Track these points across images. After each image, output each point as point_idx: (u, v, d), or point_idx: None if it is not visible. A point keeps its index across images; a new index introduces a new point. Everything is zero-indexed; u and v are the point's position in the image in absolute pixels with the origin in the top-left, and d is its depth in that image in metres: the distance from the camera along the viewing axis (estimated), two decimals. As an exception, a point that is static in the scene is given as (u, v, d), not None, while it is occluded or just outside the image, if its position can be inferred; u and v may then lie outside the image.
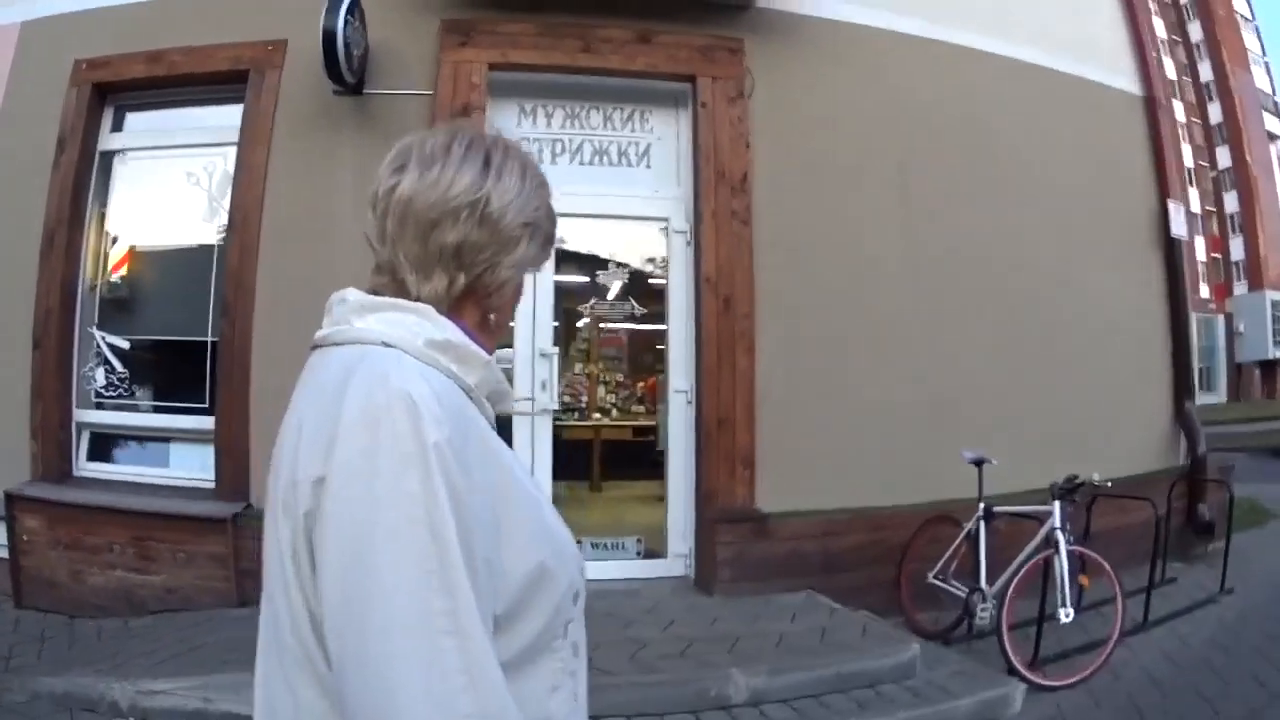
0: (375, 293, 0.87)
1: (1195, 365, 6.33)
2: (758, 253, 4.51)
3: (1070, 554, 3.59)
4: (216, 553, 4.06)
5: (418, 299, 0.85)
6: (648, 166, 4.82)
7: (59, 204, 4.42)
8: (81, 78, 4.49)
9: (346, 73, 4.13)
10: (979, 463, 4.10)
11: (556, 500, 4.41)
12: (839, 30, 4.85)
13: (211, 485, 4.30)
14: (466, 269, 0.86)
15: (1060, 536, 3.61)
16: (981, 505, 4.02)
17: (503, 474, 0.81)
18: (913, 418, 4.60)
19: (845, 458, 4.47)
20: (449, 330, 0.83)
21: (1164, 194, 5.96)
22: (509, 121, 4.68)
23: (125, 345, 4.58)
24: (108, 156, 4.67)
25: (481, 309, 0.89)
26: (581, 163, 4.71)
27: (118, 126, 4.72)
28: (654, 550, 4.55)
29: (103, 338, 4.57)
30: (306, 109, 4.43)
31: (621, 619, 3.72)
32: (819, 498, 4.33)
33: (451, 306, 0.86)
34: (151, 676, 3.06)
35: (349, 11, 4.06)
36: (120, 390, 4.58)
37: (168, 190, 4.70)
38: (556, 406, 4.57)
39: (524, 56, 4.53)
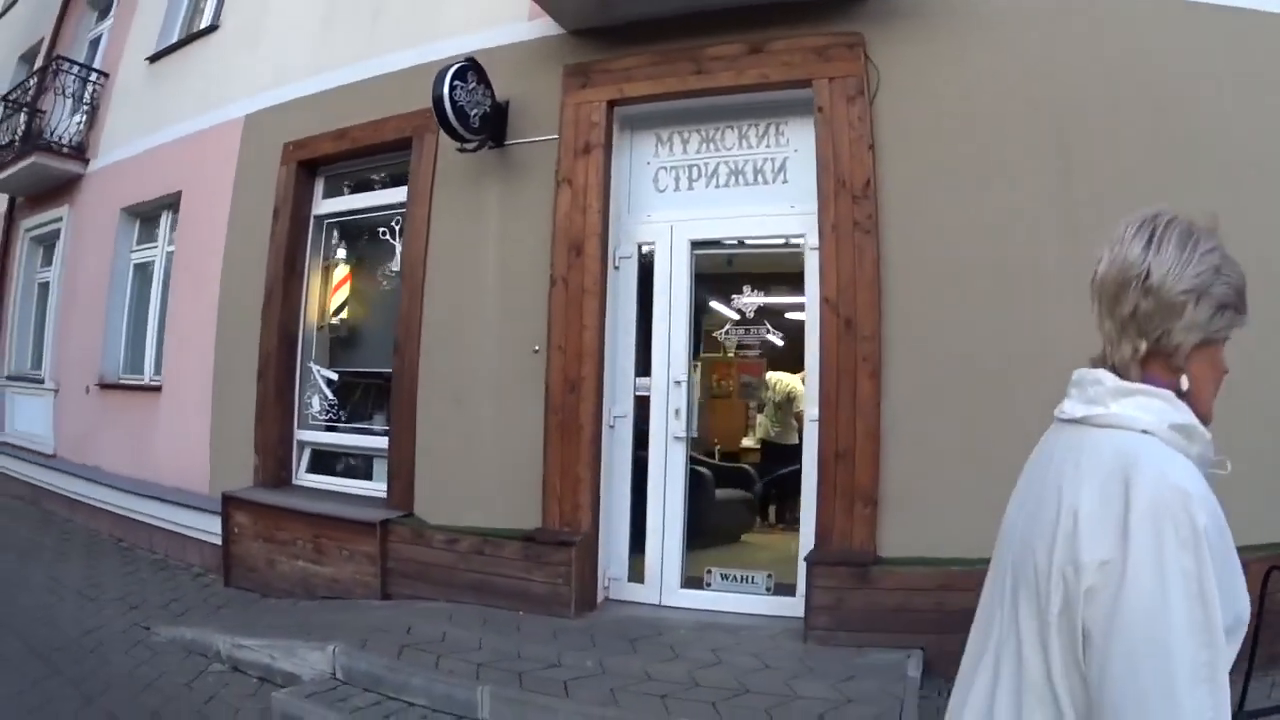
0: (1110, 368, 1.03)
1: None
2: (886, 267, 4.08)
3: None
4: (369, 552, 4.70)
5: (1112, 365, 1.02)
6: (784, 182, 4.58)
7: (274, 262, 5.44)
8: (289, 156, 5.50)
9: (463, 131, 4.57)
10: None
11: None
12: (973, 4, 4.15)
13: (384, 496, 4.99)
14: (1146, 335, 0.99)
15: None
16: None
17: (1226, 536, 0.92)
18: None
19: (990, 503, 3.75)
20: (1186, 414, 0.97)
21: None
22: (646, 152, 4.81)
23: (334, 376, 5.48)
24: (320, 220, 5.63)
25: (1170, 372, 1.00)
26: (718, 185, 4.62)
27: (330, 194, 5.67)
28: (786, 587, 4.34)
29: (318, 370, 5.51)
30: (457, 167, 4.95)
31: (697, 660, 3.63)
32: (951, 546, 3.67)
33: (1143, 369, 1.00)
34: (246, 635, 3.74)
35: (458, 77, 4.52)
36: (331, 414, 5.48)
37: (366, 247, 5.54)
38: (694, 434, 4.56)
39: (639, 89, 4.60)
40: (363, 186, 5.58)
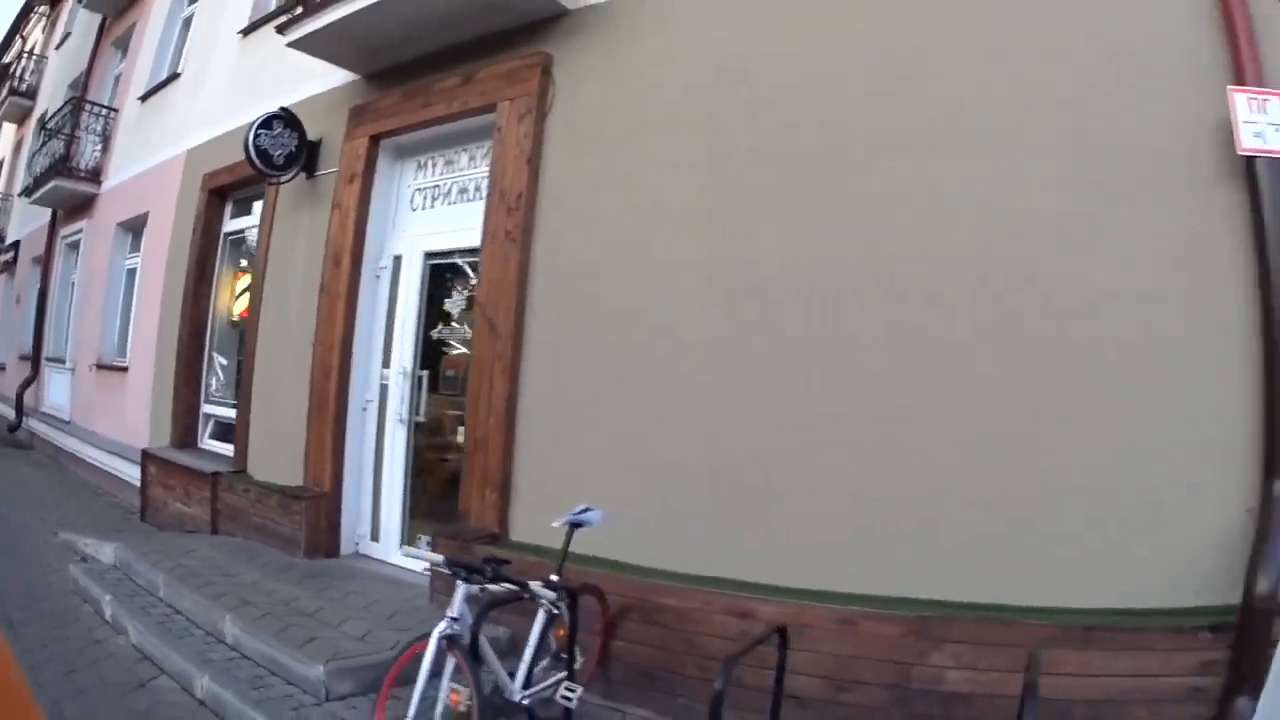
0: None
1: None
2: (533, 273, 4.50)
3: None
4: (207, 497, 5.96)
5: None
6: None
7: (191, 269, 6.91)
8: (205, 184, 6.95)
9: (266, 169, 5.68)
10: (576, 525, 3.40)
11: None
12: (649, 12, 4.32)
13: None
14: None
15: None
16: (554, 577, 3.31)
17: None
18: (691, 471, 3.84)
19: (608, 498, 3.75)
20: None
21: (1240, 76, 3.24)
22: (408, 176, 5.61)
23: (225, 362, 6.85)
24: (226, 236, 7.04)
25: None
26: (450, 202, 5.30)
27: (235, 215, 7.06)
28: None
29: (217, 357, 6.92)
30: (290, 195, 6.07)
31: (352, 598, 4.50)
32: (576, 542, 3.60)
33: None
34: (100, 541, 5.33)
35: (264, 125, 5.64)
36: (222, 392, 6.86)
37: (249, 259, 6.85)
38: (419, 419, 5.26)
39: (390, 124, 5.40)
40: (247, 210, 6.89)
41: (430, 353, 5.25)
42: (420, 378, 5.22)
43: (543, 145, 4.58)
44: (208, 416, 6.98)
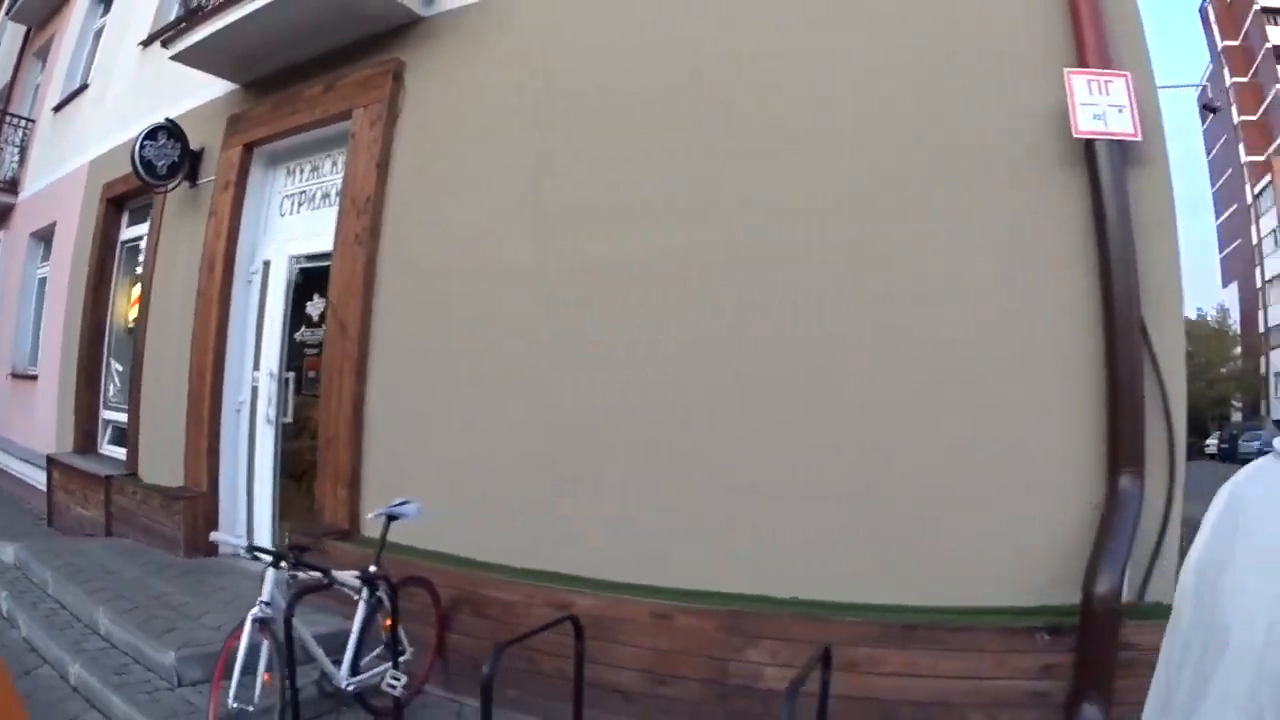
0: None
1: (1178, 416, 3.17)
2: (380, 275, 4.63)
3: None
4: (102, 500, 6.06)
5: None
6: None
7: (92, 276, 7.02)
8: (104, 194, 7.06)
9: (149, 178, 5.82)
10: (392, 517, 3.57)
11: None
12: (493, 17, 4.45)
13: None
14: None
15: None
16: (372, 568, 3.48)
17: None
18: (517, 467, 3.97)
19: (446, 499, 4.04)
20: None
21: (1083, 58, 3.18)
22: (279, 183, 5.75)
23: (121, 368, 6.96)
24: (124, 244, 7.15)
25: None
26: (315, 208, 5.44)
27: (132, 223, 7.18)
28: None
29: (114, 363, 7.02)
30: (176, 203, 6.20)
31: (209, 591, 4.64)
32: (410, 535, 3.90)
33: None
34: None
35: (149, 137, 5.79)
36: (119, 397, 6.96)
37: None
38: (286, 420, 5.38)
39: (262, 132, 5.54)
40: (143, 218, 7.01)
41: (296, 355, 5.37)
42: (287, 379, 5.35)
43: (392, 149, 4.73)
44: (107, 422, 7.08)
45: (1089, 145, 3.13)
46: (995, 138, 3.34)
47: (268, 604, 3.05)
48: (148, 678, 3.67)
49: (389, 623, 3.48)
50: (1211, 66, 43.98)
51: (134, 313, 7.00)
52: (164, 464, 5.88)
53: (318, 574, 3.26)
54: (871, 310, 3.37)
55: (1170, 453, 3.13)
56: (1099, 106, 3.11)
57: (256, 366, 5.52)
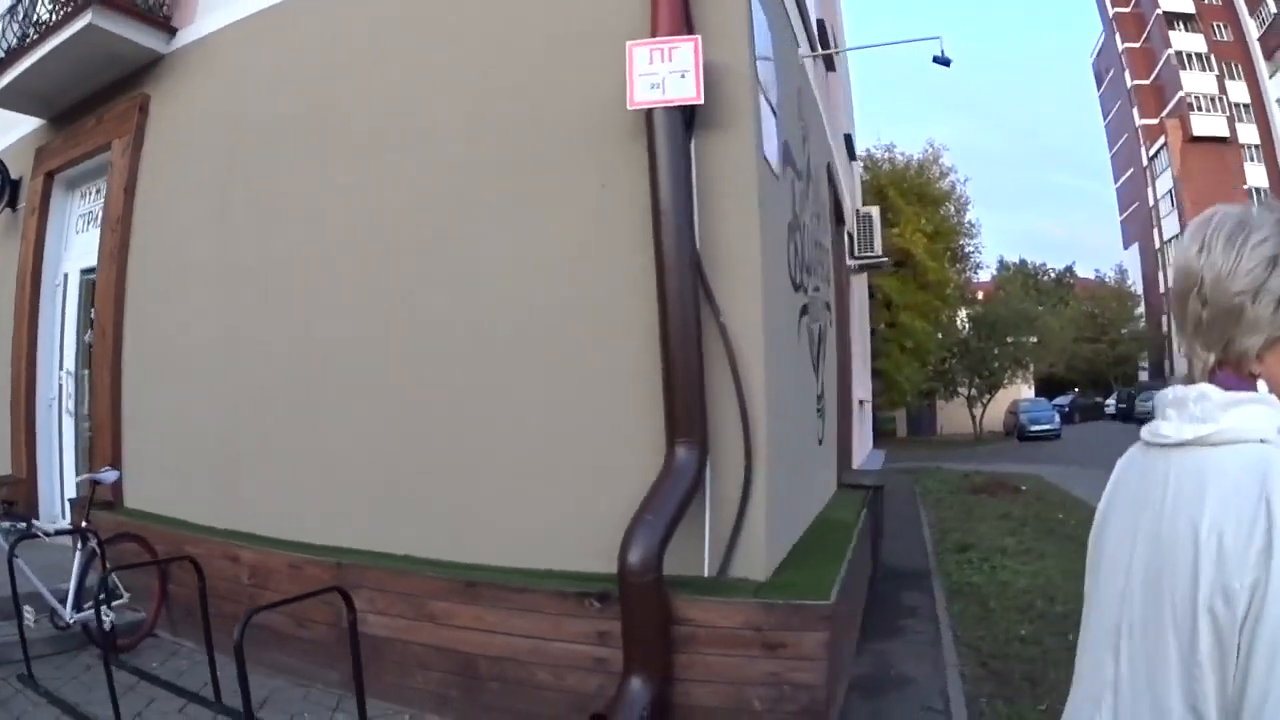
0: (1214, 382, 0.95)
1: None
2: (129, 282, 5.46)
3: None
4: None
5: (1192, 376, 0.96)
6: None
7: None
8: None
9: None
10: (96, 481, 4.57)
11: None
12: (207, 47, 5.19)
13: None
14: (1211, 346, 0.95)
15: None
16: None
17: None
18: (206, 443, 4.86)
19: (168, 466, 5.05)
20: None
21: (655, 27, 3.16)
22: (76, 205, 6.56)
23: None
24: None
25: (1247, 380, 0.94)
26: (98, 226, 6.17)
27: None
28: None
29: None
30: (2, 227, 6.98)
31: None
32: (163, 505, 4.95)
33: (1224, 374, 0.95)
34: None
35: None
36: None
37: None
38: (85, 412, 6.24)
39: (57, 161, 6.33)
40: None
41: (89, 355, 6.22)
42: (83, 376, 6.21)
43: (138, 174, 5.55)
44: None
45: (649, 115, 3.09)
46: (579, 119, 3.47)
47: None
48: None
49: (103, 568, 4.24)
50: (1104, 33, 45.15)
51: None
52: (3, 458, 6.72)
53: (21, 525, 4.15)
54: (459, 293, 3.83)
55: (745, 426, 3.11)
56: (658, 75, 3.04)
57: (61, 366, 6.37)
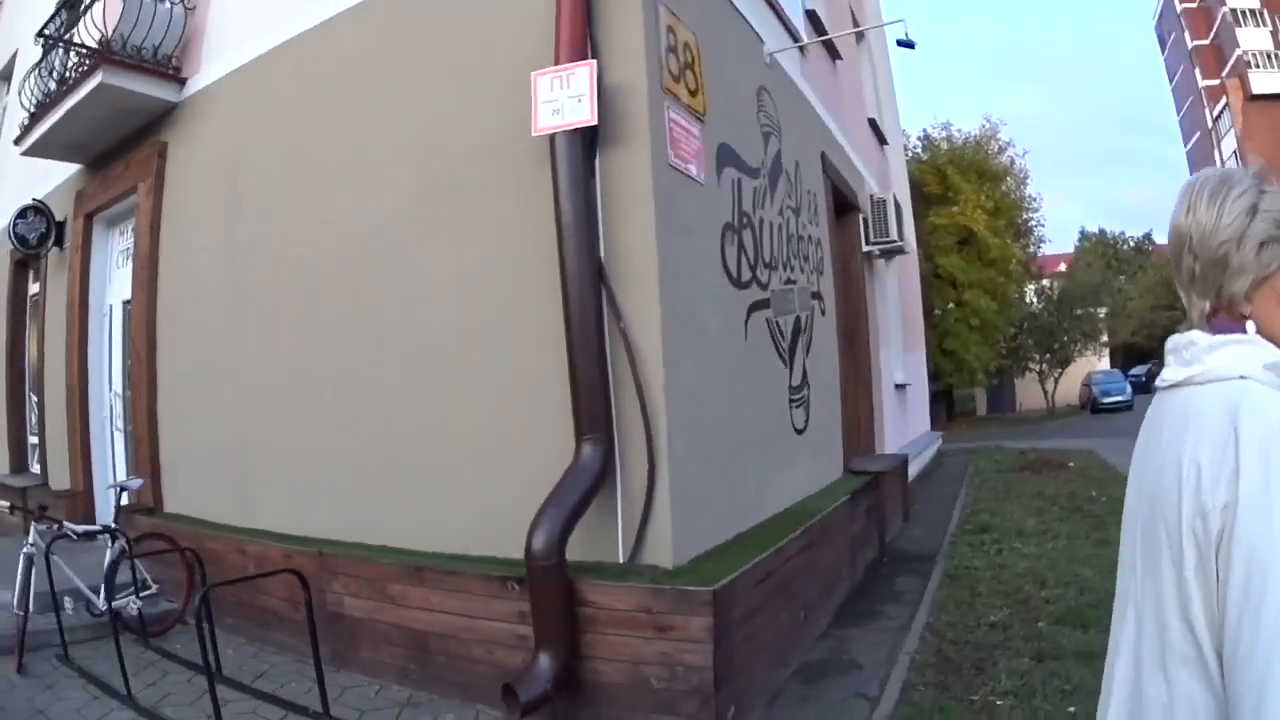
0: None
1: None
2: (159, 313, 6.07)
3: None
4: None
5: (1192, 324, 1.09)
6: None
7: (8, 326, 8.65)
8: (9, 257, 8.64)
9: (21, 250, 7.34)
10: (123, 488, 5.16)
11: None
12: (211, 94, 5.79)
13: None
14: (1206, 295, 1.07)
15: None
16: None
17: None
18: (224, 452, 5.40)
19: (198, 474, 5.64)
20: (1275, 354, 1.01)
21: (558, 55, 3.36)
22: (116, 243, 7.21)
23: (36, 399, 8.59)
24: (31, 298, 8.76)
25: (1239, 321, 1.05)
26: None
27: (36, 279, 8.77)
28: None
29: (31, 396, 8.66)
30: (53, 264, 7.73)
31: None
32: (201, 508, 5.51)
33: (1214, 326, 1.06)
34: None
35: (20, 215, 7.30)
36: (37, 425, 8.60)
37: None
38: (132, 428, 6.89)
39: (95, 203, 7.01)
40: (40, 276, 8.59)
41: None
42: (128, 396, 6.84)
43: (161, 214, 6.14)
44: (33, 446, 8.72)
45: (551, 139, 3.28)
46: (498, 148, 3.75)
47: (32, 545, 4.49)
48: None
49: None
50: (1163, -7, 43.19)
51: (37, 353, 8.62)
52: (62, 469, 7.45)
53: (55, 524, 4.72)
54: (408, 306, 4.22)
55: (646, 426, 3.27)
56: (558, 101, 3.20)
57: (110, 388, 7.03)
